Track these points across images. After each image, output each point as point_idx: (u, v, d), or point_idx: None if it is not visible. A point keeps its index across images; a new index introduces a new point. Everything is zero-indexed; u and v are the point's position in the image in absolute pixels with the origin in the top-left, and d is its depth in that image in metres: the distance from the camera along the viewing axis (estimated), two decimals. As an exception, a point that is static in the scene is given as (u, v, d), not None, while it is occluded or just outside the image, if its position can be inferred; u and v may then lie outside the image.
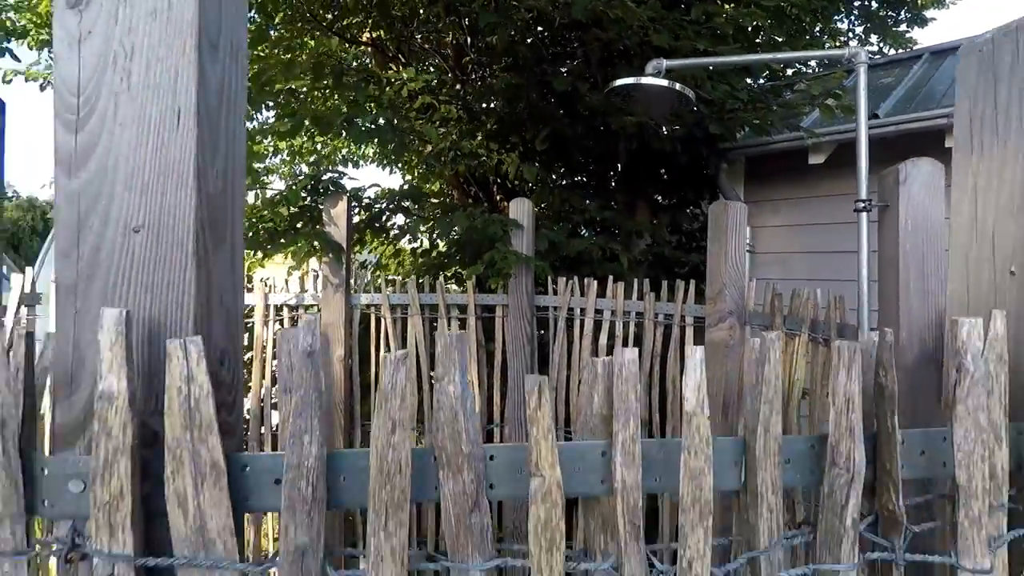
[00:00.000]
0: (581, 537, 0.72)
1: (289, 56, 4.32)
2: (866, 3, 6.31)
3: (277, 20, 4.12)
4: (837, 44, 6.27)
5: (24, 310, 2.82)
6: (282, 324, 3.42)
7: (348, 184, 3.56)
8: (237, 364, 0.73)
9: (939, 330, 1.24)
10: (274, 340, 3.56)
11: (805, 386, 2.48)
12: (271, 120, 3.93)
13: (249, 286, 3.50)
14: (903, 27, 6.43)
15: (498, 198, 4.78)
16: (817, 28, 5.35)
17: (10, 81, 4.36)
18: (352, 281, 3.31)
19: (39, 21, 3.74)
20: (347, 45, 4.72)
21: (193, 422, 0.60)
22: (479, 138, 4.22)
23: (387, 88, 3.74)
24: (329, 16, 4.48)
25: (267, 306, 3.38)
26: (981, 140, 0.97)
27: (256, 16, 3.89)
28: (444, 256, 4.04)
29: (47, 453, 0.67)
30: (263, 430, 3.31)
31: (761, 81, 4.59)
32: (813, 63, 5.10)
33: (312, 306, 3.65)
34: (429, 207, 4.34)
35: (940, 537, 0.87)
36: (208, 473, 0.61)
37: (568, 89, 3.70)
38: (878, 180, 2.31)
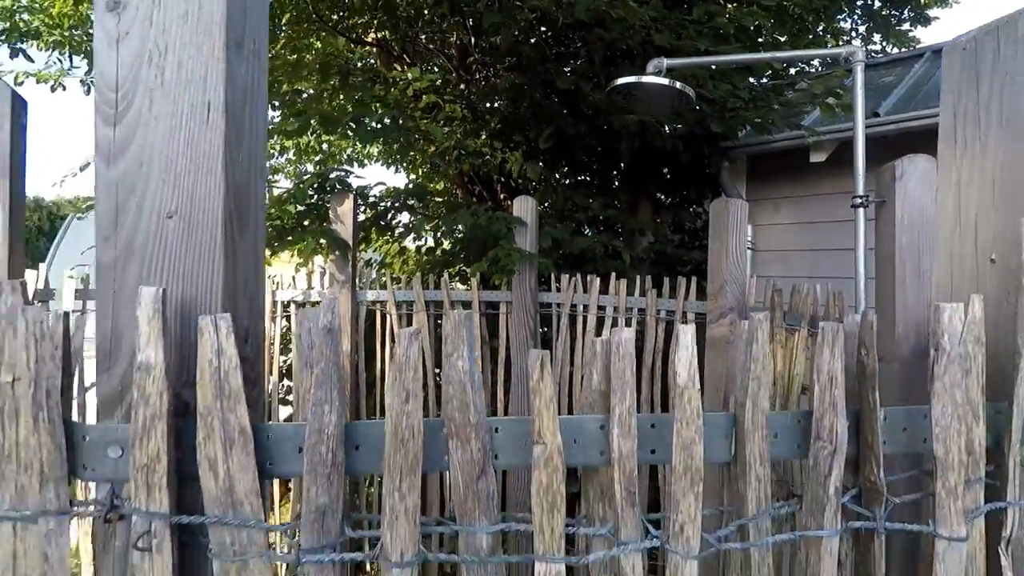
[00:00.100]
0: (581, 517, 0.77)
1: (295, 56, 4.39)
2: (869, 2, 6.33)
3: (284, 21, 4.19)
4: (840, 43, 6.31)
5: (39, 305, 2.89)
6: (288, 320, 3.48)
7: (354, 182, 3.62)
8: (259, 343, 0.79)
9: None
10: (282, 335, 3.62)
11: (804, 381, 2.52)
12: (277, 119, 3.99)
13: (257, 282, 3.56)
14: (906, 26, 6.45)
15: (502, 196, 4.83)
16: (820, 27, 5.38)
17: (21, 83, 4.44)
18: (358, 278, 3.36)
19: (51, 23, 3.81)
20: (352, 45, 4.78)
21: (223, 392, 0.66)
22: (483, 137, 4.27)
23: (393, 88, 3.80)
24: (335, 17, 4.54)
25: (274, 302, 3.44)
26: (964, 135, 1.02)
27: (264, 17, 3.94)
28: (449, 254, 4.09)
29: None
30: (271, 423, 3.36)
31: (764, 80, 4.63)
32: (816, 62, 5.13)
33: (319, 303, 3.71)
34: (434, 206, 4.39)
35: (926, 511, 0.92)
36: (236, 439, 0.66)
37: (571, 88, 3.75)
38: (875, 177, 2.35)
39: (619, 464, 0.73)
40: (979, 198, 0.99)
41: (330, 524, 0.67)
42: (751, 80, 4.31)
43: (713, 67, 3.59)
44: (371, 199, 3.76)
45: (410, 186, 4.35)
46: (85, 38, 4.34)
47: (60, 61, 4.59)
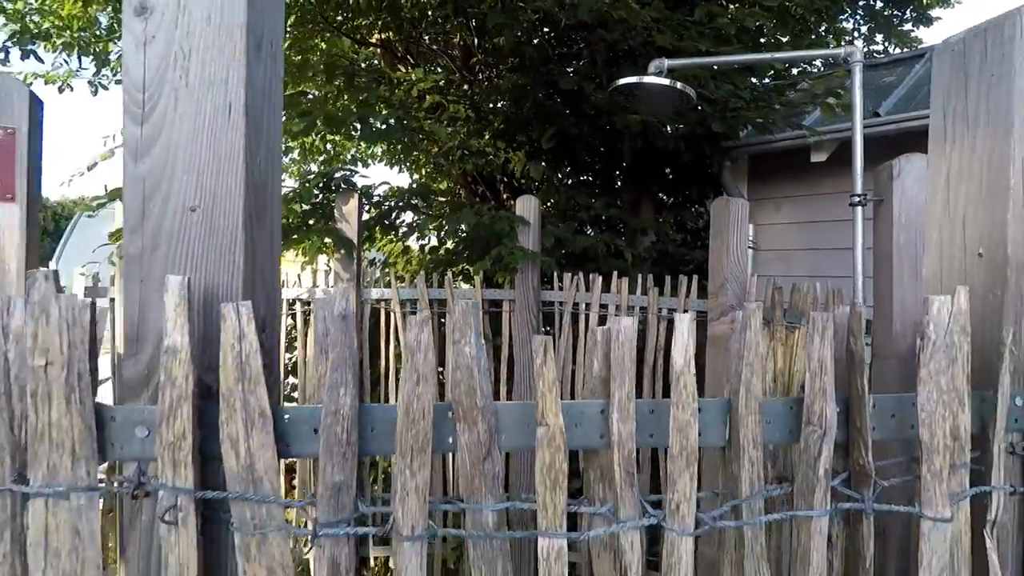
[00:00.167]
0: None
1: (301, 57, 4.43)
2: (871, 2, 6.35)
3: (290, 22, 4.23)
4: (843, 43, 6.32)
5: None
6: (294, 318, 3.52)
7: (359, 182, 3.65)
8: (275, 331, 0.82)
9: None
10: (287, 333, 3.66)
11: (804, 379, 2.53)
12: (283, 119, 4.02)
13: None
14: (908, 26, 6.47)
15: (505, 196, 4.87)
16: (822, 28, 5.41)
17: (30, 84, 4.50)
18: (362, 277, 3.40)
19: (61, 24, 3.86)
20: (357, 46, 4.82)
21: (244, 375, 0.70)
22: (486, 137, 4.31)
23: (397, 89, 3.84)
24: (339, 18, 4.59)
25: (280, 300, 3.48)
26: (953, 133, 1.05)
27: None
28: (452, 253, 4.13)
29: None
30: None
31: (766, 80, 4.66)
32: (819, 62, 5.16)
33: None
34: (437, 205, 4.43)
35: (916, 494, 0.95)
36: (256, 419, 0.70)
37: (574, 89, 3.79)
38: (873, 176, 2.39)
39: (618, 446, 0.77)
40: (967, 195, 1.02)
41: (345, 500, 0.71)
42: (753, 80, 4.34)
43: (715, 67, 3.63)
44: (375, 199, 3.80)
45: (414, 186, 4.39)
46: (93, 39, 4.40)
47: (66, 62, 4.65)
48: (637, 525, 0.76)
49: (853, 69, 2.25)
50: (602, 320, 3.17)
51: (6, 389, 0.75)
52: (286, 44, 4.28)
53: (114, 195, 2.52)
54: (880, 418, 0.89)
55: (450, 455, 3.08)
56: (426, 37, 4.82)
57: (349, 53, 4.50)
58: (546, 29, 4.14)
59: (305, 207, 3.50)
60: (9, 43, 3.76)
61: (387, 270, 4.69)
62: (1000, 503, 0.91)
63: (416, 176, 5.74)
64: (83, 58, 4.28)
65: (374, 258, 5.19)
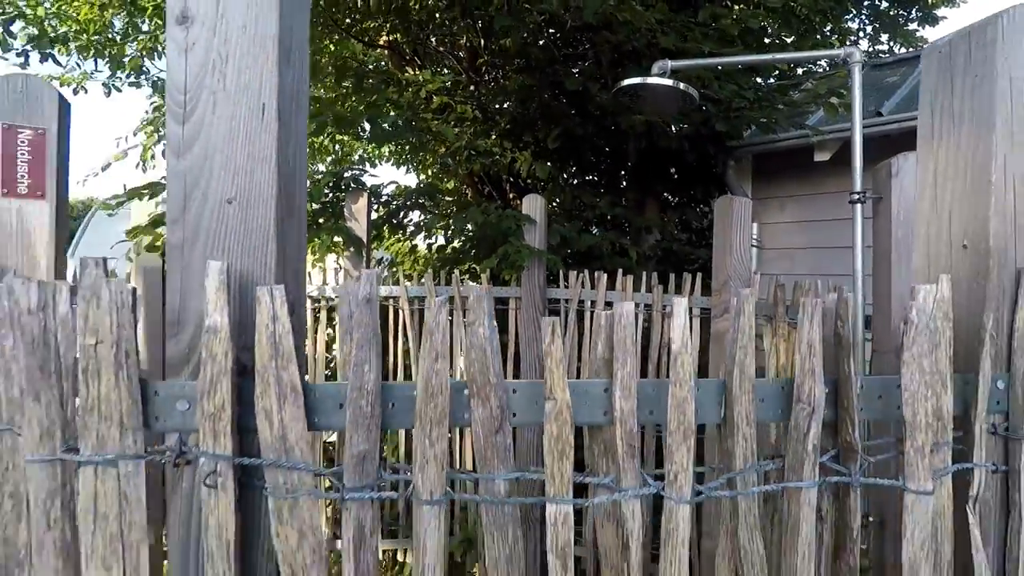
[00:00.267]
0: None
1: (311, 59, 4.51)
2: (876, 2, 6.37)
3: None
4: (848, 43, 6.33)
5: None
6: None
7: (368, 181, 3.73)
8: (302, 314, 0.89)
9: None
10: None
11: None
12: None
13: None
14: (914, 26, 6.49)
15: (511, 196, 4.94)
16: (827, 27, 5.44)
17: (48, 86, 4.59)
18: (371, 274, 3.46)
19: (78, 28, 3.96)
20: (365, 48, 4.90)
21: (277, 352, 0.76)
22: (493, 137, 4.38)
23: (407, 90, 3.91)
24: (348, 21, 4.67)
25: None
26: (940, 131, 1.11)
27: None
28: (459, 252, 4.20)
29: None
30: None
31: (771, 80, 4.71)
32: (824, 62, 5.19)
33: (333, 299, 3.83)
34: (444, 204, 4.50)
35: (901, 470, 1.01)
36: (288, 394, 0.77)
37: (579, 89, 3.85)
38: (872, 174, 2.44)
39: (620, 422, 0.83)
40: (953, 189, 1.08)
41: (369, 468, 0.77)
42: (758, 80, 4.39)
43: (718, 68, 3.68)
44: (384, 198, 3.88)
45: (421, 185, 4.46)
46: (107, 43, 4.50)
47: (79, 65, 4.75)
48: (638, 494, 0.82)
49: (852, 70, 2.31)
50: (607, 317, 3.23)
51: (56, 368, 0.81)
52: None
53: (132, 194, 2.60)
54: (868, 399, 0.95)
55: (456, 439, 3.15)
56: (433, 39, 4.90)
57: (358, 55, 4.58)
58: (552, 30, 4.20)
59: (315, 206, 3.58)
60: (28, 47, 3.86)
61: (394, 269, 4.76)
62: (982, 480, 0.96)
63: (423, 176, 5.82)
64: (98, 61, 4.38)
65: (382, 257, 5.26)
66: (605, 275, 3.24)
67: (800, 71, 5.82)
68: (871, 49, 7.06)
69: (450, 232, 4.29)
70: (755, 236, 4.73)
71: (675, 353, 0.82)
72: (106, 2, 3.86)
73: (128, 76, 4.67)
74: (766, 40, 4.40)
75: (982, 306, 1.02)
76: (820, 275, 3.30)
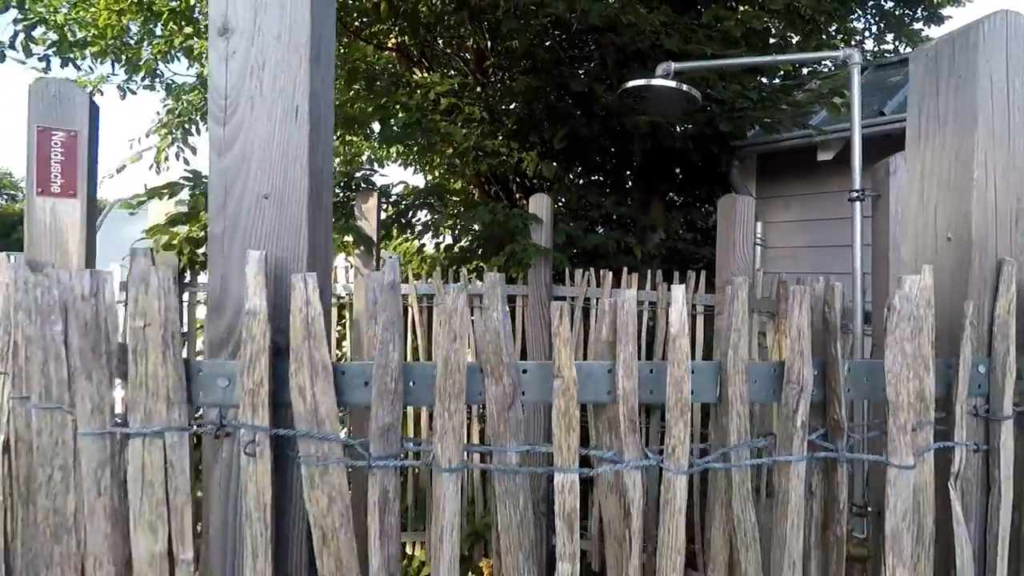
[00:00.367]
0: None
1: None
2: (882, 2, 6.40)
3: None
4: (853, 43, 6.36)
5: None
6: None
7: (377, 181, 3.81)
8: (328, 300, 0.97)
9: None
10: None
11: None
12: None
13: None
14: (919, 25, 6.52)
15: (517, 196, 5.01)
16: (833, 27, 5.48)
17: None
18: (381, 272, 3.55)
19: (97, 33, 4.07)
20: (374, 51, 4.99)
21: (310, 333, 0.84)
22: (500, 138, 4.45)
23: (416, 92, 3.99)
24: (356, 24, 4.75)
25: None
26: (927, 131, 1.17)
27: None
28: (466, 251, 4.27)
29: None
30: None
31: (776, 80, 4.75)
32: (829, 62, 5.24)
33: (342, 296, 3.92)
34: (452, 204, 4.58)
35: (884, 446, 1.07)
36: (320, 371, 0.84)
37: (585, 90, 3.92)
38: (871, 173, 2.49)
39: (623, 400, 0.90)
40: (938, 185, 1.14)
41: (392, 439, 0.85)
42: (763, 80, 4.44)
43: (721, 68, 3.74)
44: (393, 198, 3.96)
45: (429, 185, 4.54)
46: (124, 47, 4.61)
47: (92, 68, 4.87)
48: (638, 465, 0.89)
49: (851, 71, 2.37)
50: (612, 313, 3.29)
51: (106, 349, 0.89)
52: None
53: (152, 193, 2.69)
54: (855, 381, 1.01)
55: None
56: (440, 41, 4.98)
57: (368, 58, 4.66)
58: (558, 32, 4.27)
59: (326, 205, 3.65)
60: (51, 53, 3.97)
61: (402, 268, 4.84)
62: (963, 458, 1.02)
63: (430, 177, 5.90)
64: (115, 64, 4.49)
65: (390, 257, 5.36)
66: (610, 273, 3.30)
67: (805, 71, 5.86)
68: (876, 48, 7.09)
69: (457, 231, 4.36)
70: (759, 235, 4.78)
71: (673, 336, 0.89)
72: (124, 8, 3.96)
73: (143, 79, 4.78)
74: (771, 40, 4.45)
75: (965, 295, 1.09)
76: (823, 273, 3.35)
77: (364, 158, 6.38)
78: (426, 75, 4.55)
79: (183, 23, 4.14)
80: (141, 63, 4.59)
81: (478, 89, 4.76)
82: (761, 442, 0.97)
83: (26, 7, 3.75)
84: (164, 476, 0.86)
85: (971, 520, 1.07)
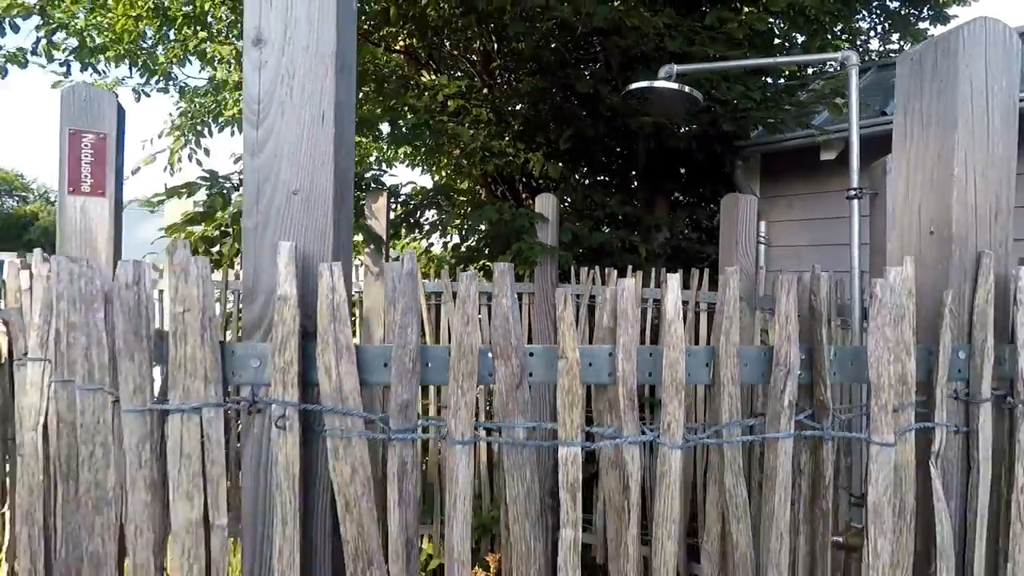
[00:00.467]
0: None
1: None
2: (887, 2, 6.42)
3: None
4: (859, 43, 6.39)
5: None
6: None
7: (386, 181, 3.90)
8: (349, 288, 1.05)
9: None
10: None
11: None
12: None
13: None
14: (925, 24, 6.54)
15: (523, 196, 5.09)
16: (838, 27, 5.52)
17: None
18: (391, 270, 3.63)
19: (114, 38, 4.18)
20: (383, 53, 5.08)
21: (336, 317, 0.92)
22: (506, 139, 4.53)
23: (425, 94, 4.08)
24: (366, 27, 4.85)
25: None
26: (912, 131, 1.24)
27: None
28: (473, 250, 4.36)
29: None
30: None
31: (781, 81, 4.81)
32: (834, 62, 5.28)
33: (354, 294, 4.00)
34: (459, 204, 4.66)
35: (867, 425, 1.14)
36: (344, 352, 0.92)
37: (590, 91, 3.99)
38: (868, 172, 2.55)
39: (622, 380, 0.97)
40: (922, 183, 1.21)
41: (410, 414, 0.92)
42: (767, 80, 4.50)
43: (724, 70, 3.80)
44: (402, 197, 4.04)
45: (437, 185, 4.63)
46: (139, 52, 4.72)
47: (106, 71, 4.99)
48: (636, 440, 0.96)
49: (849, 72, 2.43)
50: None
51: (146, 333, 0.98)
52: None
53: (171, 193, 2.78)
54: (841, 366, 1.08)
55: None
56: (448, 43, 5.07)
57: (377, 60, 4.76)
58: (563, 35, 4.35)
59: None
60: (71, 58, 4.09)
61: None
62: (943, 439, 1.09)
63: (437, 177, 5.99)
64: (132, 68, 4.60)
65: (398, 256, 5.45)
66: (615, 271, 3.37)
67: (810, 71, 5.91)
68: (882, 48, 7.11)
69: (465, 231, 4.44)
70: (763, 234, 4.83)
71: (669, 320, 0.96)
72: (141, 13, 4.07)
73: (158, 82, 4.90)
74: (775, 41, 4.50)
75: (947, 286, 1.15)
76: (826, 271, 3.40)
77: (373, 159, 6.48)
78: (434, 77, 4.63)
79: (197, 28, 4.25)
80: (156, 67, 4.70)
81: (485, 91, 4.84)
82: (752, 421, 1.04)
83: (47, 13, 3.87)
84: (200, 449, 0.95)
85: (952, 498, 1.13)
